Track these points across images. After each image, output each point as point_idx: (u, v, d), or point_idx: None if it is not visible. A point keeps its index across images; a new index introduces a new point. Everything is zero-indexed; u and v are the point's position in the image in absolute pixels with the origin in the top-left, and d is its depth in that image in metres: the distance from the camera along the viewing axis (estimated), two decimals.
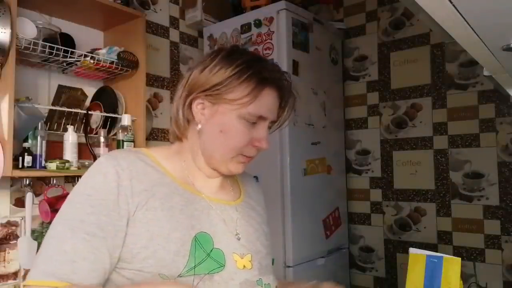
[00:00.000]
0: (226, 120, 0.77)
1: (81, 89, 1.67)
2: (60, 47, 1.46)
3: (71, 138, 1.51)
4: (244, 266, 0.77)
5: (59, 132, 1.56)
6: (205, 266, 0.71)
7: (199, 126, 0.79)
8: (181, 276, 0.68)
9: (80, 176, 1.65)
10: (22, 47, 1.36)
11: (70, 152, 1.51)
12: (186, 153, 0.83)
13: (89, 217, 0.67)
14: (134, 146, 1.64)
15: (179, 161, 0.82)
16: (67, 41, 1.57)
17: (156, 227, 0.70)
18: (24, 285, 0.66)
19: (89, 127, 1.63)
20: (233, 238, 0.79)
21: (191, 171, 0.82)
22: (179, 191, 0.77)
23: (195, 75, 0.79)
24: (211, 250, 0.74)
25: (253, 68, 0.76)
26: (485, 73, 1.05)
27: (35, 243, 1.49)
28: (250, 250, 0.81)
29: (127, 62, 1.65)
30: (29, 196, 1.46)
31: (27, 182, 1.48)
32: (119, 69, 1.64)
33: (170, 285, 0.64)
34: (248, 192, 0.94)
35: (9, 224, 1.49)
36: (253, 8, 2.14)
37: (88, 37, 1.75)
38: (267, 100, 0.78)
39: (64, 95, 1.60)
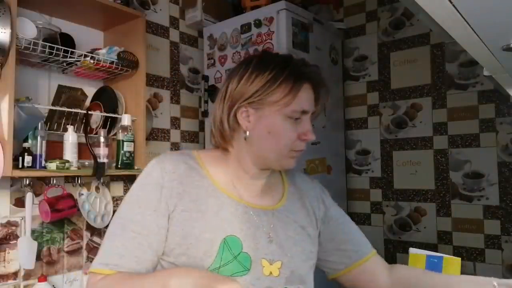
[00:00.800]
0: (273, 121, 0.81)
1: (81, 89, 1.67)
2: (60, 47, 1.46)
3: (71, 138, 1.51)
4: (271, 273, 0.79)
5: (59, 132, 1.56)
6: (229, 269, 0.75)
7: (247, 133, 0.83)
8: None
9: (79, 176, 1.66)
10: (22, 47, 1.36)
11: (70, 152, 1.50)
12: (232, 159, 0.87)
13: (137, 216, 0.77)
14: (134, 146, 1.65)
15: (225, 165, 0.86)
16: (67, 41, 1.57)
17: (189, 227, 0.77)
18: (88, 272, 0.78)
19: (89, 127, 1.62)
20: (265, 243, 0.81)
21: (235, 175, 0.86)
22: (216, 194, 0.81)
23: (233, 87, 0.83)
24: (239, 254, 0.77)
25: (287, 68, 0.81)
26: (485, 73, 1.05)
27: (35, 243, 1.49)
28: (281, 257, 0.82)
29: (127, 62, 1.65)
30: (29, 196, 1.46)
31: (27, 182, 1.48)
32: (119, 69, 1.64)
33: (202, 276, 0.66)
34: (295, 193, 0.94)
35: (9, 224, 1.49)
36: (253, 8, 2.14)
37: (88, 37, 1.75)
38: (306, 95, 0.82)
39: (64, 95, 1.60)
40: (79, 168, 1.53)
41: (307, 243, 0.88)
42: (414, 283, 0.90)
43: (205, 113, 2.25)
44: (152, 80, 2.05)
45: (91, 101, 1.72)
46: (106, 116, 1.65)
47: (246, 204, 0.83)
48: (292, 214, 0.89)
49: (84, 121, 1.62)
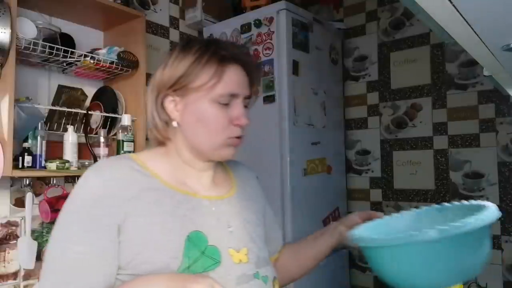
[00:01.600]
0: (200, 107, 0.76)
1: (81, 89, 1.67)
2: (60, 47, 1.46)
3: (71, 138, 1.51)
4: (240, 260, 0.77)
5: (59, 132, 1.56)
6: (200, 265, 0.71)
7: (175, 123, 0.79)
8: None
9: (79, 176, 1.66)
10: (22, 47, 1.36)
11: (70, 152, 1.50)
12: (173, 154, 0.82)
13: (78, 235, 0.68)
14: (134, 146, 1.65)
15: (168, 162, 0.81)
16: (67, 41, 1.56)
17: (147, 232, 0.70)
18: None
19: (89, 127, 1.63)
20: (228, 233, 0.79)
21: (182, 170, 0.81)
22: (168, 193, 0.76)
23: (158, 75, 0.80)
24: (205, 248, 0.74)
25: (211, 50, 0.76)
26: (485, 73, 1.05)
27: (35, 243, 1.49)
28: (246, 243, 0.80)
29: (127, 62, 1.65)
30: (29, 196, 1.46)
31: (27, 182, 1.48)
32: (119, 69, 1.64)
33: (162, 278, 0.65)
34: (241, 181, 0.93)
35: (9, 224, 1.49)
36: (253, 8, 2.14)
37: (88, 37, 1.75)
38: (233, 77, 0.77)
39: (64, 95, 1.60)
40: (79, 168, 1.53)
41: (262, 228, 0.89)
42: (287, 269, 0.95)
43: None
44: None
45: (91, 101, 1.72)
46: (106, 116, 1.65)
47: (202, 197, 0.80)
48: (245, 200, 0.88)
49: (84, 121, 1.62)
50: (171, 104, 0.78)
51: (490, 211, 0.61)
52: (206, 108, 0.76)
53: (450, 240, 0.58)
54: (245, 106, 0.80)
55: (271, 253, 0.94)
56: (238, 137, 0.78)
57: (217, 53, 0.76)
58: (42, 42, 1.42)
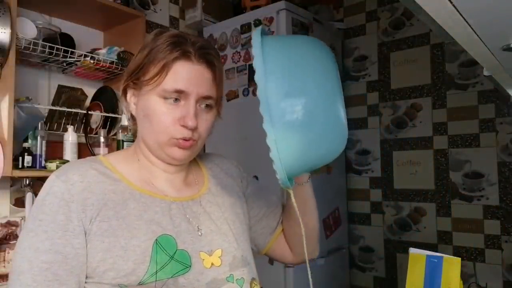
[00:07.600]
0: (147, 102, 0.73)
1: (81, 89, 1.67)
2: (60, 47, 1.47)
3: (71, 138, 1.51)
4: (212, 264, 0.74)
5: (59, 132, 1.56)
6: (168, 270, 0.68)
7: (129, 115, 0.78)
8: (141, 284, 0.66)
9: None
10: (22, 47, 1.36)
11: (70, 152, 1.51)
12: (141, 154, 0.79)
13: (44, 244, 0.65)
14: None
15: (136, 162, 0.78)
16: (67, 41, 1.57)
17: (112, 237, 0.67)
18: None
19: (89, 127, 1.63)
20: (198, 235, 0.76)
21: (149, 170, 0.78)
22: (135, 196, 0.73)
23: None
24: (175, 252, 0.71)
25: (168, 44, 0.72)
26: (485, 73, 1.05)
27: None
28: (220, 244, 0.77)
29: (127, 62, 1.65)
30: (29, 196, 1.46)
31: (27, 182, 1.48)
32: (119, 69, 1.64)
33: None
34: (215, 176, 0.89)
35: (9, 224, 1.49)
36: (253, 8, 2.14)
37: (88, 37, 1.75)
38: (183, 73, 0.72)
39: (64, 95, 1.60)
40: None
41: (239, 223, 0.84)
42: (290, 240, 0.94)
43: None
44: None
45: (91, 101, 1.73)
46: (106, 116, 1.65)
47: (171, 199, 0.76)
48: (218, 196, 0.84)
49: (84, 121, 1.62)
50: (132, 98, 0.77)
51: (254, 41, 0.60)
52: (153, 103, 0.72)
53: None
54: (209, 106, 0.76)
55: (264, 243, 0.92)
56: (187, 139, 0.72)
57: (171, 47, 0.72)
58: (42, 42, 1.42)
